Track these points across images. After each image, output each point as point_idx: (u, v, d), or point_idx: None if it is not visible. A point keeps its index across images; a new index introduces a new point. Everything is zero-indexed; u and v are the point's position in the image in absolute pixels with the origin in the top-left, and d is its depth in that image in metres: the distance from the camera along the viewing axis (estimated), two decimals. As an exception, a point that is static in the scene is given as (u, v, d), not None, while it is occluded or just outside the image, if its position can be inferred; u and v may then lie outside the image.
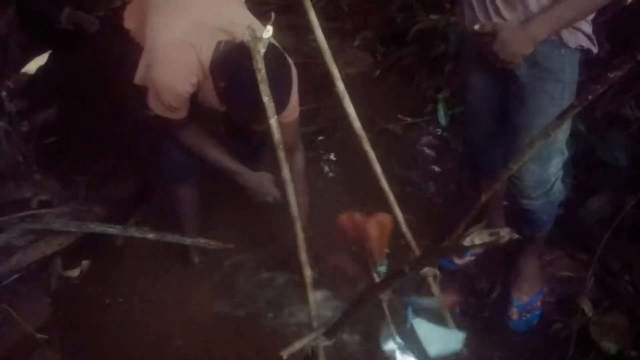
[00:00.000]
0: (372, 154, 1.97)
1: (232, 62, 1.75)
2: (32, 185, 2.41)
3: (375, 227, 1.66)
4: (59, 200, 2.41)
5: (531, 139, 1.55)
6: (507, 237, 1.15)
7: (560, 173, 1.95)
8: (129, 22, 2.13)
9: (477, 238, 1.16)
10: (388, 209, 2.01)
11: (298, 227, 1.78)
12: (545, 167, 1.87)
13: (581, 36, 1.75)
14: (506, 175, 1.69)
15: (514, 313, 2.23)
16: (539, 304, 2.24)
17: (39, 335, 2.13)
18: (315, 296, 1.80)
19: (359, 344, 2.14)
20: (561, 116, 1.53)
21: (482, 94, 2.00)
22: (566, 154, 1.93)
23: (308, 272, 1.82)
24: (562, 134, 1.86)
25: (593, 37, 1.77)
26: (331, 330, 1.70)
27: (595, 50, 1.78)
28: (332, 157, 2.87)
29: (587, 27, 1.76)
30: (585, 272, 2.15)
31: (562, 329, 2.10)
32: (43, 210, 2.33)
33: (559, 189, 1.98)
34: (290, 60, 1.96)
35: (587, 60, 1.82)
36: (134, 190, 2.65)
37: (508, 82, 1.83)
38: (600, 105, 2.41)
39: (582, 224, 2.29)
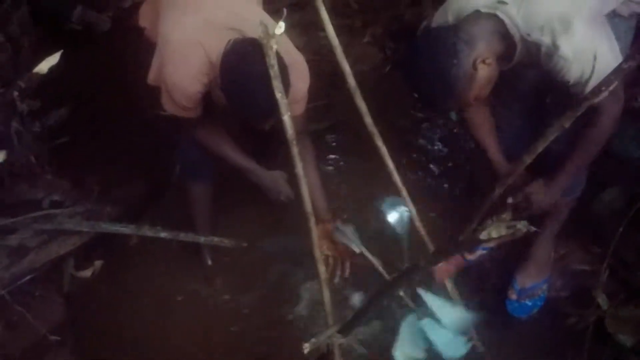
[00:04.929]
0: (384, 150, 1.98)
1: (238, 59, 1.74)
2: (44, 185, 2.40)
3: None
4: (71, 200, 2.40)
5: (545, 131, 1.55)
6: (524, 230, 1.15)
7: None
8: (144, 20, 2.13)
9: (494, 231, 1.16)
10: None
11: (312, 223, 1.78)
12: None
13: (634, 5, 1.77)
14: (520, 169, 1.69)
15: (513, 294, 2.22)
16: (541, 293, 2.23)
17: (52, 337, 2.13)
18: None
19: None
20: (574, 109, 1.53)
21: (526, 79, 2.00)
22: None
23: (322, 269, 1.83)
24: None
25: None
26: (346, 328, 1.70)
27: None
28: (344, 153, 2.87)
29: None
30: (599, 265, 2.14)
31: (578, 323, 2.09)
32: (55, 211, 2.33)
33: None
34: (300, 57, 1.97)
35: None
36: (146, 190, 2.65)
37: None
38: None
39: (596, 217, 2.28)
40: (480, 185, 2.62)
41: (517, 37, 1.64)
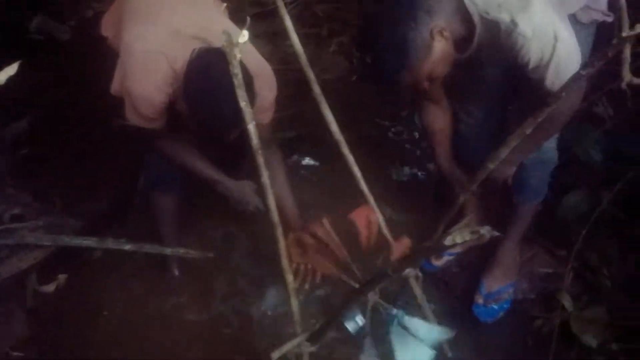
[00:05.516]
0: (350, 158, 1.98)
1: (202, 69, 1.72)
2: (4, 199, 2.36)
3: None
4: (33, 213, 2.36)
5: (507, 138, 1.58)
6: (487, 236, 1.15)
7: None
8: (106, 29, 2.10)
9: (458, 237, 1.16)
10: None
11: (278, 233, 1.77)
12: None
13: (594, 12, 1.79)
14: (483, 175, 1.71)
15: (480, 298, 2.24)
16: (507, 296, 2.26)
17: (15, 353, 2.09)
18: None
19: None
20: (535, 115, 1.55)
21: (487, 81, 2.02)
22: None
23: (290, 278, 1.82)
24: None
25: (607, 11, 1.81)
26: (315, 336, 1.70)
27: (610, 19, 1.81)
28: (311, 162, 2.87)
29: (602, 4, 1.79)
30: (564, 268, 2.18)
31: (544, 325, 2.12)
32: (16, 224, 2.28)
33: (552, 151, 2.02)
34: (267, 66, 1.97)
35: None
36: (110, 203, 2.61)
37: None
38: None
39: (560, 220, 2.32)
40: (446, 192, 2.65)
41: (476, 17, 1.64)
